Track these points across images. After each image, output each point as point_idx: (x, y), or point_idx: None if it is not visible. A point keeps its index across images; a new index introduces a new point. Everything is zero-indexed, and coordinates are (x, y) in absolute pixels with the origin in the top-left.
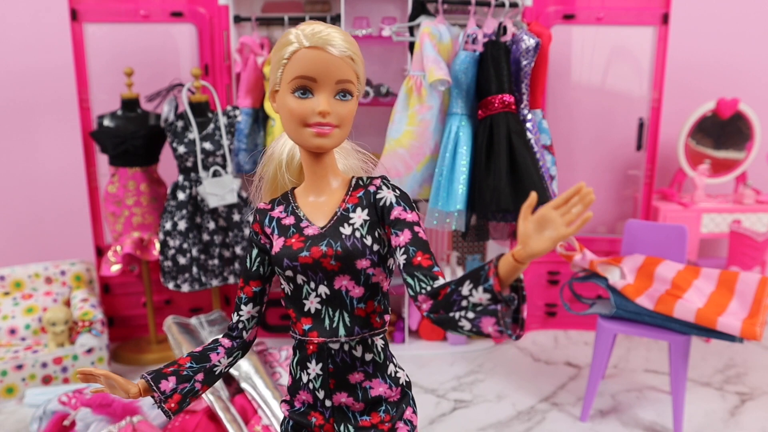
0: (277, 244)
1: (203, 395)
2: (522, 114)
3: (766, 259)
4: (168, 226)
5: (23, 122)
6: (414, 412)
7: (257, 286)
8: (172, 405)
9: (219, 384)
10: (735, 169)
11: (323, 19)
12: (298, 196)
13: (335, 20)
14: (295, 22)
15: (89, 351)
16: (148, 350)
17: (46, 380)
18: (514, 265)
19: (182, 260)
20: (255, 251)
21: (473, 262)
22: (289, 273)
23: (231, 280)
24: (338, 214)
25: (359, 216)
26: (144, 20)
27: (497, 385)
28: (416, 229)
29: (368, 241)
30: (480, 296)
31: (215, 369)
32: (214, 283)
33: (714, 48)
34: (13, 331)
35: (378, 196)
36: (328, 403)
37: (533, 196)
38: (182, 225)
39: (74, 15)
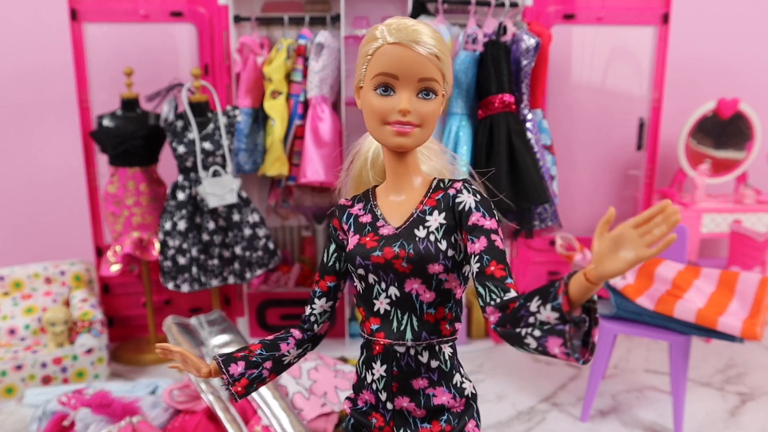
0: (352, 241)
1: (202, 395)
2: (522, 114)
3: (767, 259)
4: (168, 226)
5: (23, 122)
6: (477, 425)
7: (332, 281)
8: (239, 389)
9: (219, 383)
10: (735, 169)
11: (323, 19)
12: (379, 195)
13: (335, 20)
14: (295, 21)
15: (89, 351)
16: (148, 350)
17: (46, 380)
18: (585, 286)
19: (182, 260)
20: (333, 246)
21: None
22: (361, 271)
23: (231, 280)
24: (414, 215)
25: (435, 219)
26: (144, 20)
27: (497, 385)
28: (493, 237)
29: (443, 245)
30: (548, 314)
31: (284, 359)
32: (214, 283)
33: (714, 48)
34: (12, 332)
35: (457, 200)
36: (389, 405)
37: (612, 211)
38: (182, 225)
39: (74, 15)
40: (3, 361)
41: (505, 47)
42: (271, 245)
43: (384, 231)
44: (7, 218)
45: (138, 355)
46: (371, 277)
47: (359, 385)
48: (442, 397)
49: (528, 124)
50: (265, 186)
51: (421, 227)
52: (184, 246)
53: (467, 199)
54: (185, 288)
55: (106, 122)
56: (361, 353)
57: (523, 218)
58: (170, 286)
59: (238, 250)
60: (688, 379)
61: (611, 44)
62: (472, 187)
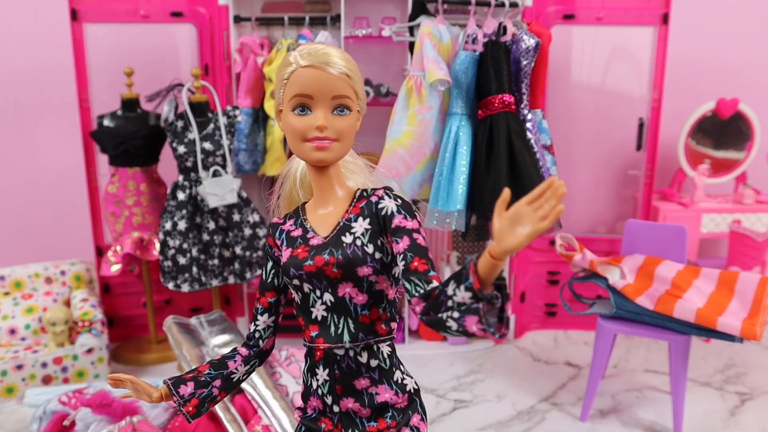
0: (285, 254)
1: None
2: (522, 114)
3: (766, 259)
4: (168, 226)
5: (23, 122)
6: (423, 419)
7: (272, 296)
8: (191, 409)
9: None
10: (735, 169)
11: (323, 19)
12: (308, 210)
13: (335, 20)
14: (295, 22)
15: (89, 351)
16: (148, 350)
17: (46, 380)
18: (492, 263)
19: (182, 260)
20: (270, 264)
21: None
22: (296, 282)
23: (231, 280)
24: (341, 224)
25: (361, 225)
26: (144, 20)
27: (497, 385)
28: (415, 236)
29: (369, 249)
30: (462, 295)
31: (232, 376)
32: (214, 283)
33: (714, 48)
34: (13, 331)
35: (380, 206)
36: (336, 408)
37: (506, 192)
38: (182, 225)
39: (74, 15)
40: (3, 360)
41: (505, 47)
42: None
43: (314, 242)
44: (7, 218)
45: (138, 354)
46: (306, 286)
47: (306, 393)
48: (384, 394)
49: (528, 124)
50: (266, 186)
51: (347, 234)
52: (185, 246)
53: (389, 204)
54: (185, 288)
55: (107, 122)
56: (306, 362)
57: None
58: (170, 286)
59: (238, 250)
60: (688, 378)
61: (611, 44)
62: (393, 193)
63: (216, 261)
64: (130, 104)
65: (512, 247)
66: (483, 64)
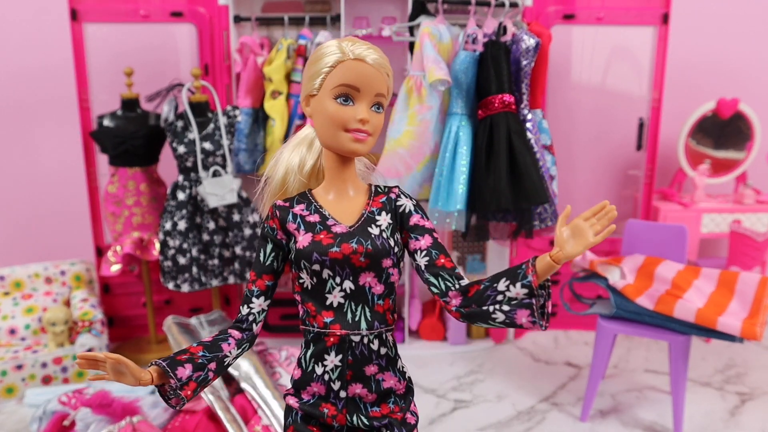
0: (305, 239)
1: (203, 395)
2: (522, 114)
3: (766, 259)
4: (168, 226)
5: (23, 122)
6: (414, 404)
7: (270, 280)
8: (188, 392)
9: (219, 384)
10: (735, 169)
11: (323, 19)
12: (318, 197)
13: (335, 20)
14: (295, 22)
15: (89, 351)
16: (148, 350)
17: (46, 380)
18: (550, 265)
19: (182, 260)
20: (270, 246)
21: (473, 262)
22: (316, 267)
23: (231, 280)
24: (365, 215)
25: (384, 219)
26: (144, 20)
27: (497, 385)
28: (435, 234)
29: (391, 242)
30: (517, 291)
31: (225, 359)
32: (214, 283)
33: (714, 48)
34: (13, 331)
35: (398, 203)
36: (342, 394)
37: (569, 208)
38: (182, 225)
39: (74, 15)
40: (3, 360)
41: (505, 47)
42: None
43: (337, 229)
44: (7, 218)
45: (138, 355)
46: (326, 272)
47: (305, 380)
48: (390, 381)
49: (528, 124)
50: None
51: (373, 226)
52: (185, 246)
53: (407, 203)
54: (185, 288)
55: (107, 122)
56: (308, 347)
57: (523, 218)
58: (170, 285)
59: (238, 249)
60: (688, 379)
61: (611, 44)
62: (406, 192)
63: (216, 261)
64: (130, 104)
65: (573, 254)
66: (483, 64)
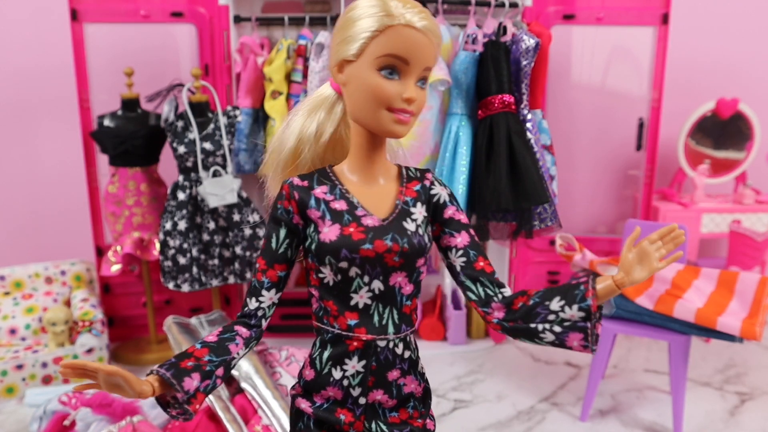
0: (332, 231)
1: None
2: (522, 114)
3: (766, 259)
4: (168, 226)
5: (23, 122)
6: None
7: (282, 270)
8: (197, 407)
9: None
10: (735, 169)
11: (323, 19)
12: (342, 178)
13: (335, 20)
14: (296, 22)
15: (89, 351)
16: (148, 350)
17: (46, 380)
18: (613, 290)
19: (182, 260)
20: (283, 231)
21: None
22: (343, 264)
23: (231, 280)
24: (399, 207)
25: (420, 212)
26: (144, 20)
27: (497, 385)
28: (472, 232)
29: (426, 239)
30: (572, 313)
31: (233, 362)
32: (214, 283)
33: (714, 48)
34: (13, 331)
35: (432, 192)
36: (362, 400)
37: (638, 230)
38: (182, 225)
39: (74, 15)
40: (3, 360)
41: (505, 47)
42: None
43: (368, 221)
44: (7, 218)
45: (138, 355)
46: (354, 270)
47: (321, 382)
48: (411, 385)
49: (528, 124)
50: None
51: (409, 220)
52: (185, 246)
53: (441, 192)
54: (186, 288)
55: (107, 122)
56: (323, 348)
57: (522, 218)
58: (171, 285)
59: (238, 250)
60: (688, 378)
61: (611, 44)
62: (439, 178)
63: (216, 261)
64: (130, 104)
65: (639, 280)
66: (483, 64)
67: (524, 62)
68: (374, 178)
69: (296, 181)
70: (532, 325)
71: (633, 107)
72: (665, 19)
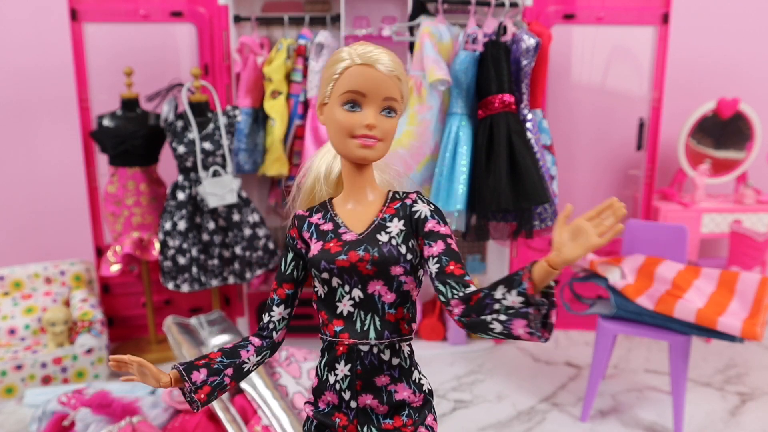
0: (315, 247)
1: None
2: (522, 114)
3: (767, 259)
4: (168, 226)
5: (23, 122)
6: (435, 419)
7: (290, 288)
8: (202, 396)
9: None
10: (735, 169)
11: (323, 19)
12: (336, 206)
13: (335, 20)
14: (295, 21)
15: (89, 351)
16: (148, 350)
17: (46, 380)
18: (547, 271)
19: (182, 260)
20: (290, 255)
21: (473, 262)
22: (325, 275)
23: (230, 280)
24: (376, 222)
25: (396, 225)
26: (144, 20)
27: (497, 385)
28: (449, 240)
29: (402, 249)
30: (513, 299)
31: (244, 366)
32: (214, 283)
33: (714, 47)
34: (12, 331)
35: (414, 209)
36: (353, 404)
37: (569, 207)
38: (182, 225)
39: (74, 15)
40: (3, 361)
41: (505, 47)
42: (271, 245)
43: (347, 237)
44: (7, 218)
45: (138, 355)
46: (335, 281)
47: (320, 388)
48: (403, 392)
49: (528, 124)
50: (265, 186)
51: (383, 233)
52: (184, 246)
53: (423, 208)
54: (185, 288)
55: (106, 122)
56: (322, 356)
57: (523, 218)
58: (170, 286)
59: (238, 250)
60: (688, 379)
61: (611, 44)
62: (425, 197)
63: (216, 261)
64: (129, 104)
65: (571, 258)
66: (483, 64)
67: (524, 62)
68: (359, 201)
69: (299, 212)
70: (482, 317)
71: (633, 107)
72: (665, 18)
